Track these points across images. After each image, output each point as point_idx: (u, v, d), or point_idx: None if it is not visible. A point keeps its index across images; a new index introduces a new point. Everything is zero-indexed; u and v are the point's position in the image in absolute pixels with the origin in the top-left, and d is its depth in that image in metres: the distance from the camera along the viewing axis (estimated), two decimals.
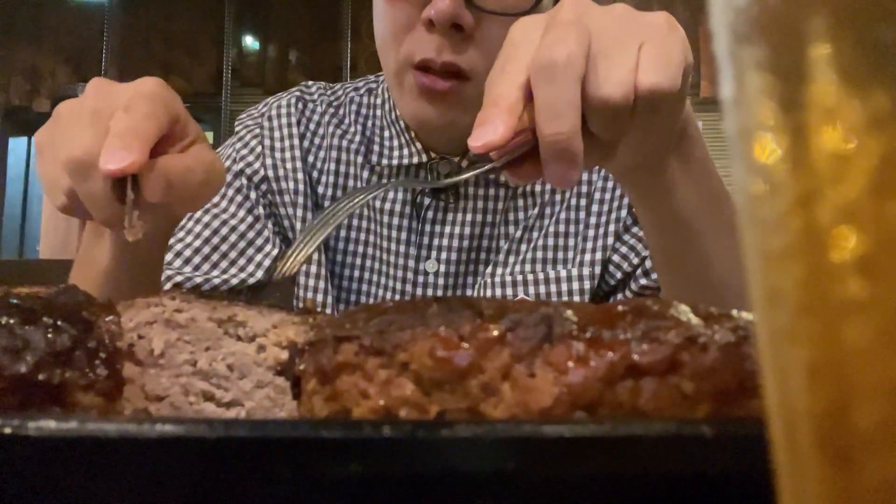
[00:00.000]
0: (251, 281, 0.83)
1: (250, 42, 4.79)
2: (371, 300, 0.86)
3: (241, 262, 0.83)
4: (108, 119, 0.46)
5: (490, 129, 0.42)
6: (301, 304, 0.86)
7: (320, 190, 0.88)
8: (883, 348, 0.12)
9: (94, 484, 0.21)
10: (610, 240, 0.83)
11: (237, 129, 0.91)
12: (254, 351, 0.33)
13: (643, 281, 0.81)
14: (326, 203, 0.87)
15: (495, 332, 0.26)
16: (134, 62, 4.68)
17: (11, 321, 0.28)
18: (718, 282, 0.59)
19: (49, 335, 0.28)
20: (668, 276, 0.65)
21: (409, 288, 0.84)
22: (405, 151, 0.85)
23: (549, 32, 0.44)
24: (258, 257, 0.84)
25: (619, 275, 0.83)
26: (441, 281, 0.84)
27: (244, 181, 0.86)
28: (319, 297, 0.85)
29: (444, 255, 0.84)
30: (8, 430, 0.21)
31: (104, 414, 0.28)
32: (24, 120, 4.95)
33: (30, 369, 0.27)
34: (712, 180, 0.59)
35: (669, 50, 0.45)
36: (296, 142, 0.88)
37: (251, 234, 0.84)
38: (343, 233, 0.87)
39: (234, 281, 0.82)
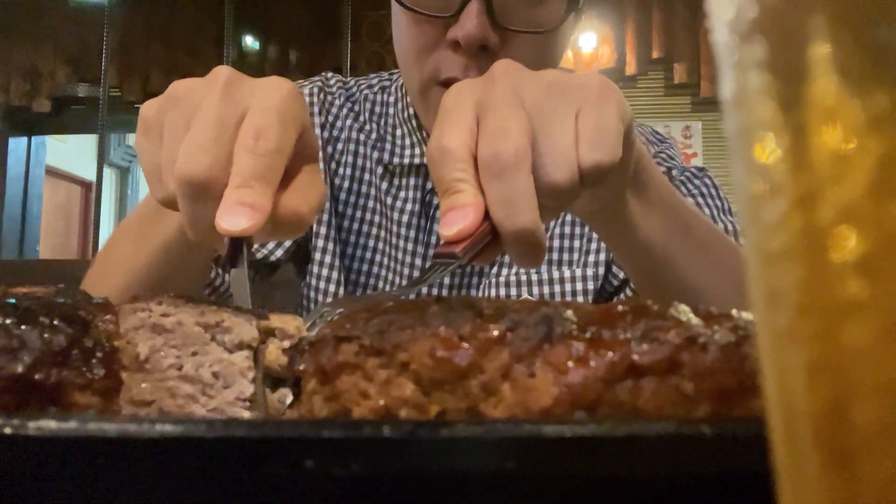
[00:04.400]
0: (271, 258, 0.83)
1: (250, 42, 4.79)
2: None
3: None
4: (234, 131, 0.42)
5: (461, 215, 0.41)
6: (312, 293, 0.87)
7: (337, 181, 0.88)
8: (883, 348, 0.12)
9: (94, 484, 0.21)
10: None
11: None
12: (240, 361, 0.33)
13: None
14: (342, 196, 0.88)
15: (495, 332, 0.26)
16: (134, 62, 4.68)
17: (8, 321, 0.28)
18: (699, 301, 0.59)
19: (45, 335, 0.28)
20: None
21: None
22: (416, 150, 0.85)
23: (488, 116, 0.43)
24: None
25: (622, 275, 0.83)
26: (447, 280, 0.85)
27: None
28: (332, 288, 0.86)
29: None
30: (8, 430, 0.21)
31: (102, 413, 0.28)
32: (24, 120, 4.96)
33: (26, 369, 0.27)
34: (673, 204, 0.59)
35: (605, 120, 0.44)
36: (317, 131, 0.88)
37: None
38: (356, 226, 0.87)
39: (257, 256, 0.83)
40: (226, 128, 0.42)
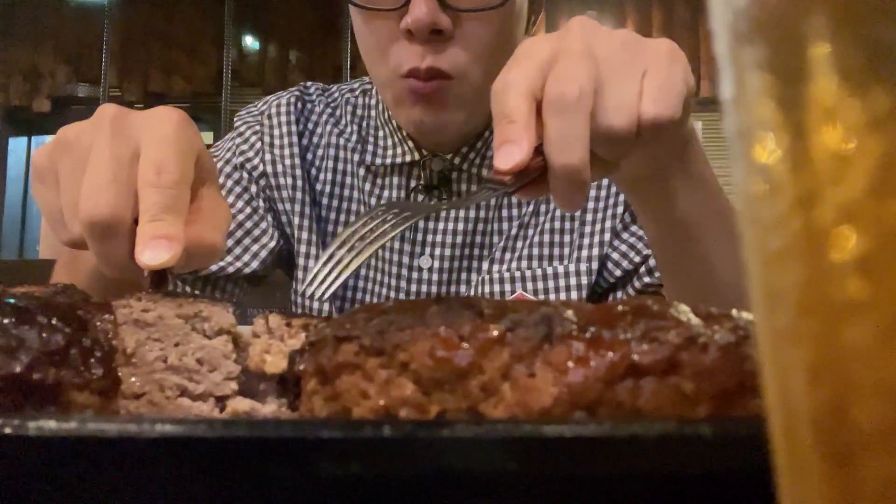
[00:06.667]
0: (247, 271, 0.84)
1: (250, 42, 4.79)
2: (366, 295, 0.87)
3: (238, 250, 0.84)
4: (130, 167, 0.42)
5: (516, 149, 0.43)
6: (300, 299, 0.87)
7: (318, 187, 0.89)
8: (883, 348, 0.12)
9: (94, 484, 0.21)
10: (607, 236, 0.83)
11: (236, 124, 0.92)
12: (221, 345, 0.34)
13: (647, 279, 0.81)
14: (324, 200, 0.89)
15: (495, 332, 0.26)
16: (134, 62, 4.68)
17: (6, 321, 0.28)
18: (721, 285, 0.60)
19: (43, 334, 0.28)
20: (671, 279, 0.67)
21: (403, 284, 0.85)
22: (398, 150, 0.86)
23: (560, 61, 0.45)
24: (254, 247, 0.85)
25: (618, 272, 0.83)
26: (435, 277, 0.85)
27: (245, 174, 0.88)
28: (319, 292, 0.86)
29: (437, 252, 0.85)
30: (8, 430, 0.21)
31: (100, 413, 0.28)
32: (24, 120, 4.96)
33: (24, 369, 0.27)
34: (713, 188, 0.60)
35: (671, 79, 0.47)
36: (294, 139, 0.89)
37: (249, 224, 0.85)
38: (340, 228, 0.88)
39: (231, 269, 0.83)
40: (121, 165, 0.43)
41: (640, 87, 0.46)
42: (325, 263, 0.44)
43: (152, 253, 0.39)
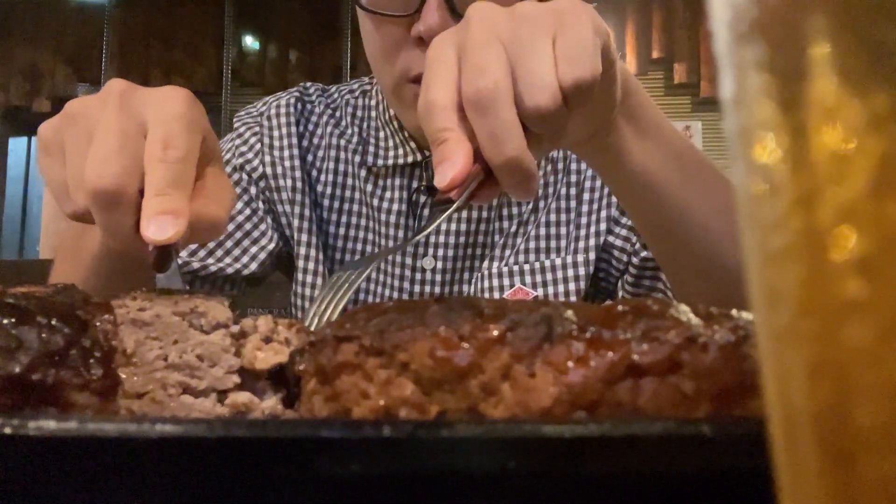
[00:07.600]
0: (245, 272, 0.84)
1: (250, 42, 4.79)
2: (369, 297, 0.87)
3: (237, 252, 0.84)
4: (136, 140, 0.43)
5: (449, 165, 0.43)
6: (299, 301, 0.87)
7: (319, 188, 0.89)
8: (883, 348, 0.12)
9: (94, 484, 0.21)
10: (603, 225, 0.84)
11: (236, 125, 0.92)
12: (220, 339, 0.34)
13: (644, 253, 0.82)
14: (325, 202, 0.88)
15: (495, 332, 0.26)
16: (134, 62, 4.68)
17: (5, 321, 0.28)
18: (702, 230, 0.60)
19: (43, 335, 0.28)
20: (652, 238, 0.67)
21: (406, 285, 0.85)
22: (400, 151, 0.86)
23: (466, 58, 0.45)
24: (253, 249, 0.85)
25: (624, 258, 0.84)
26: (438, 277, 0.85)
27: (244, 176, 0.88)
28: (317, 293, 0.86)
29: (440, 252, 0.85)
30: (8, 430, 0.21)
31: (100, 413, 0.28)
32: (24, 120, 4.96)
33: (24, 369, 0.27)
34: (667, 134, 0.60)
35: (580, 37, 0.46)
36: (294, 140, 0.89)
37: (248, 226, 0.85)
38: (342, 230, 0.88)
39: (230, 270, 0.84)
40: (128, 137, 0.43)
41: (552, 55, 0.45)
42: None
43: (157, 227, 0.40)
